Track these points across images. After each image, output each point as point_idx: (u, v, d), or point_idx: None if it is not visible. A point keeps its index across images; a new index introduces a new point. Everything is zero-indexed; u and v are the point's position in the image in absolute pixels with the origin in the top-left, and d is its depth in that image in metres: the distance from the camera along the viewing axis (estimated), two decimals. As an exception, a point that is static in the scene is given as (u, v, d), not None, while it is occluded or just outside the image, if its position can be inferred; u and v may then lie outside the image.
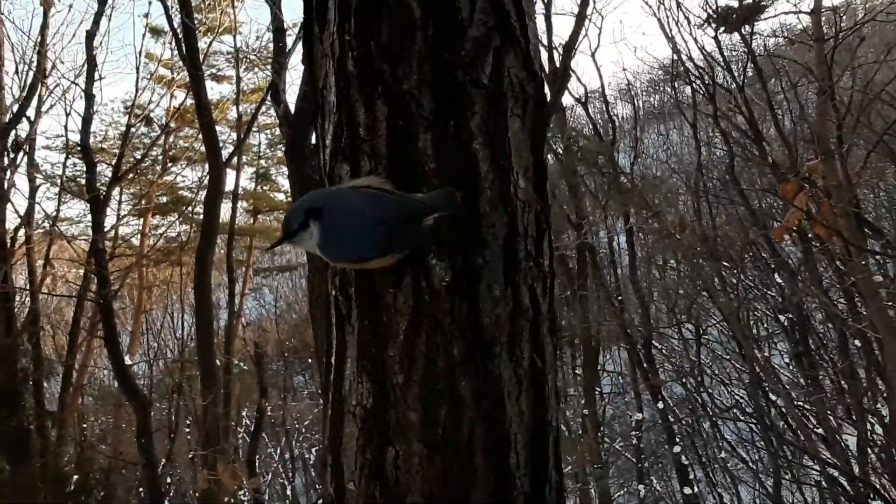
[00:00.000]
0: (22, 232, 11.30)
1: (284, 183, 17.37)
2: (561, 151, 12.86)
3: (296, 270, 19.79)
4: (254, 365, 13.98)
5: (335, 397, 0.98)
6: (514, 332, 0.92)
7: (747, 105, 9.01)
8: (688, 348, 12.22)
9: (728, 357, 12.02)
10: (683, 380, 11.52)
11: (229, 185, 13.40)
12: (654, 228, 12.26)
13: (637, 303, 12.17)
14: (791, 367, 11.23)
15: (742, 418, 10.84)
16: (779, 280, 10.40)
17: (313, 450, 16.37)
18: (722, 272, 10.51)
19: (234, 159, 13.62)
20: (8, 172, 10.79)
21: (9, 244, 10.87)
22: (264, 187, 18.13)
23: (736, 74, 9.25)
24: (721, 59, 9.68)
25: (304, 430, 17.03)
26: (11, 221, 10.92)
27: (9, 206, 10.85)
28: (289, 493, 16.18)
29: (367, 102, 0.91)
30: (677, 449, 10.31)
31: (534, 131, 0.98)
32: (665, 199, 12.38)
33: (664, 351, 12.66)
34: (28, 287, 11.76)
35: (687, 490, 10.28)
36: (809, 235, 8.88)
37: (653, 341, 11.73)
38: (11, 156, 10.95)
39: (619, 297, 12.23)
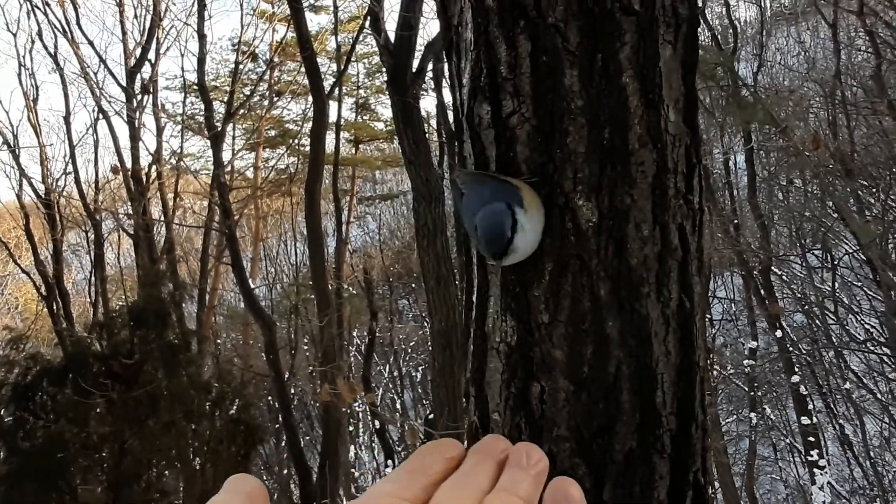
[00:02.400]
0: (154, 169, 12.38)
1: (384, 112, 17.52)
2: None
3: (397, 199, 20.24)
4: (363, 290, 14.77)
5: (477, 334, 1.01)
6: (662, 272, 0.90)
7: (902, -3, 7.79)
8: (812, 275, 11.38)
9: (860, 284, 11.09)
10: (806, 308, 10.82)
11: (332, 116, 13.72)
12: (778, 146, 11.21)
13: (755, 227, 11.37)
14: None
15: (872, 348, 10.09)
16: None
17: (420, 368, 17.30)
18: (859, 192, 9.52)
19: (336, 90, 13.87)
20: (138, 113, 11.72)
21: (144, 180, 11.99)
22: (364, 117, 18.36)
23: (889, -39, 7.96)
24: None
25: (409, 350, 17.97)
26: (144, 159, 11.99)
27: (140, 144, 11.88)
28: (398, 406, 17.32)
29: (508, 38, 0.88)
30: (796, 378, 9.85)
31: (686, 58, 0.90)
32: (794, 113, 11.20)
33: (784, 277, 11.88)
34: (163, 218, 12.95)
35: (805, 420, 9.88)
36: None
37: (772, 267, 11.01)
38: (139, 97, 11.85)
39: (735, 222, 11.47)
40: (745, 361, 11.61)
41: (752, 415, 11.23)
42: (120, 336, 5.43)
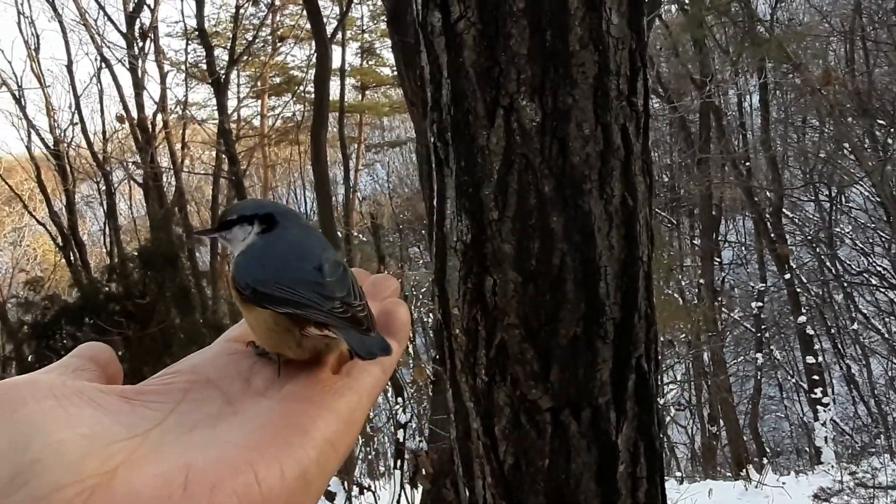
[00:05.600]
0: (160, 117, 12.36)
1: (389, 57, 17.17)
2: (686, 0, 11.49)
3: (405, 146, 20.09)
4: (371, 235, 14.91)
5: (438, 235, 1.08)
6: (605, 170, 0.95)
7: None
8: (823, 216, 11.28)
9: (873, 226, 10.99)
10: (816, 248, 10.77)
11: (336, 61, 13.51)
12: (794, 84, 10.91)
13: (767, 168, 11.21)
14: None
15: (882, 288, 10.09)
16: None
17: (430, 314, 17.56)
18: (875, 131, 9.30)
19: (339, 35, 13.60)
20: (140, 61, 11.62)
21: (150, 129, 12.00)
22: (370, 62, 18.03)
23: None
24: None
25: (421, 296, 18.17)
26: (149, 108, 11.96)
27: (144, 93, 11.83)
28: (411, 351, 17.66)
29: (456, -57, 0.91)
30: (803, 319, 9.91)
31: (630, -40, 0.93)
32: (811, 50, 10.83)
33: (796, 220, 11.79)
34: (171, 167, 13.00)
35: (810, 359, 9.99)
36: None
37: (783, 209, 10.91)
38: (140, 44, 11.71)
39: (747, 163, 11.31)
40: (754, 304, 11.67)
41: (759, 355, 11.36)
42: (132, 278, 5.60)
